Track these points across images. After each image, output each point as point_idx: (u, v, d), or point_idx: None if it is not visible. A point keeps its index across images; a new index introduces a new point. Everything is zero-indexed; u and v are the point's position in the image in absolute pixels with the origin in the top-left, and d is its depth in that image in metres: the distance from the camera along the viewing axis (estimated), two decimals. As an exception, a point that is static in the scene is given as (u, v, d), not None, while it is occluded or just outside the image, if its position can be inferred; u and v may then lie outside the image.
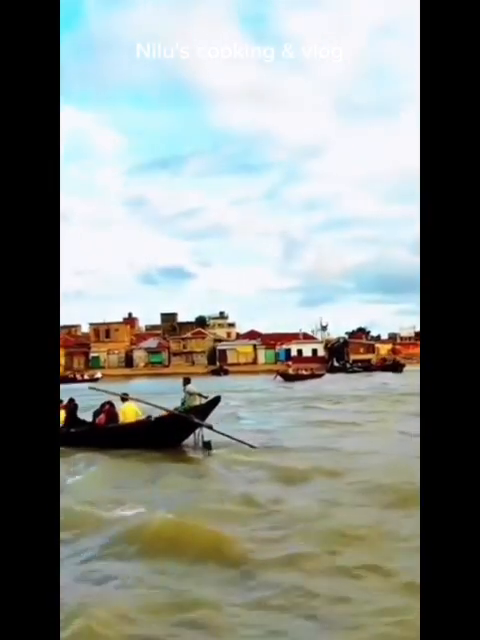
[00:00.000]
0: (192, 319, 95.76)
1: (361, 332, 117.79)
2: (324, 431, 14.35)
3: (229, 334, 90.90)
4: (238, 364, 72.67)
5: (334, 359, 66.95)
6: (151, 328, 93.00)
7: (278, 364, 69.39)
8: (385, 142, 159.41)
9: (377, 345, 73.23)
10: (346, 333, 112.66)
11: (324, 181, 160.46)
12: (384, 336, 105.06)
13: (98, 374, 58.61)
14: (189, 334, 79.03)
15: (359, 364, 63.83)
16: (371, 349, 71.16)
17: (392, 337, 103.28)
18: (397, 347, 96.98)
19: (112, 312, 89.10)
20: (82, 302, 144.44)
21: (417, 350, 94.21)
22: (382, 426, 14.94)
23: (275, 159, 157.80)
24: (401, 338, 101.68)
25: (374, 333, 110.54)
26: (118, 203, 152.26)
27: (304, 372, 53.53)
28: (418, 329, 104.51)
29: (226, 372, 66.18)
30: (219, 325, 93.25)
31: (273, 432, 14.27)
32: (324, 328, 76.10)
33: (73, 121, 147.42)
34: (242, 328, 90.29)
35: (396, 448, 10.89)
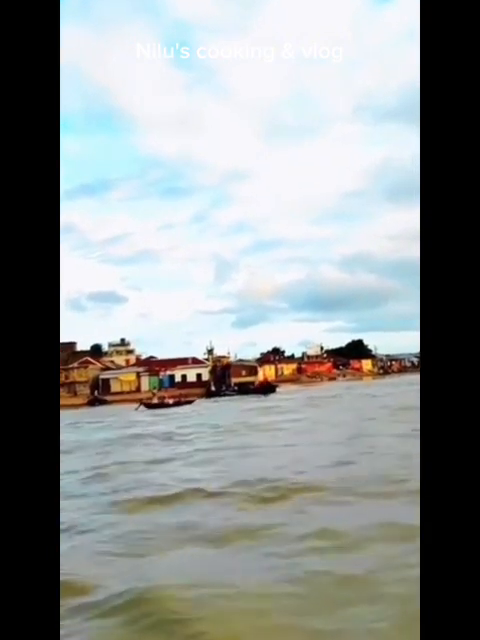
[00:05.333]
0: (111, 346, 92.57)
1: (275, 353, 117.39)
2: None
3: (128, 361, 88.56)
4: (121, 393, 70.41)
5: (212, 383, 65.54)
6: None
7: (162, 391, 67.56)
8: (310, 163, 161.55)
9: (260, 367, 71.67)
10: (261, 354, 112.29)
11: (251, 203, 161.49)
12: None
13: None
14: (75, 364, 76.39)
15: (236, 387, 62.41)
16: (254, 371, 69.69)
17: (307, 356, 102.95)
18: (303, 366, 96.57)
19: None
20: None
21: (322, 368, 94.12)
22: None
23: (202, 183, 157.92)
24: (308, 357, 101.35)
25: (296, 352, 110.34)
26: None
27: (169, 400, 51.77)
28: (324, 347, 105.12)
29: (103, 402, 64.06)
30: (117, 352, 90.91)
31: None
32: (210, 352, 74.52)
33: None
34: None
35: None
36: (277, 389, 57.93)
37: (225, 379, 67.47)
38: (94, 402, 64.00)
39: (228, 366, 70.49)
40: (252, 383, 63.94)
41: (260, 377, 68.43)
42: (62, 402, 67.09)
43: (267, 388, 58.07)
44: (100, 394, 69.07)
